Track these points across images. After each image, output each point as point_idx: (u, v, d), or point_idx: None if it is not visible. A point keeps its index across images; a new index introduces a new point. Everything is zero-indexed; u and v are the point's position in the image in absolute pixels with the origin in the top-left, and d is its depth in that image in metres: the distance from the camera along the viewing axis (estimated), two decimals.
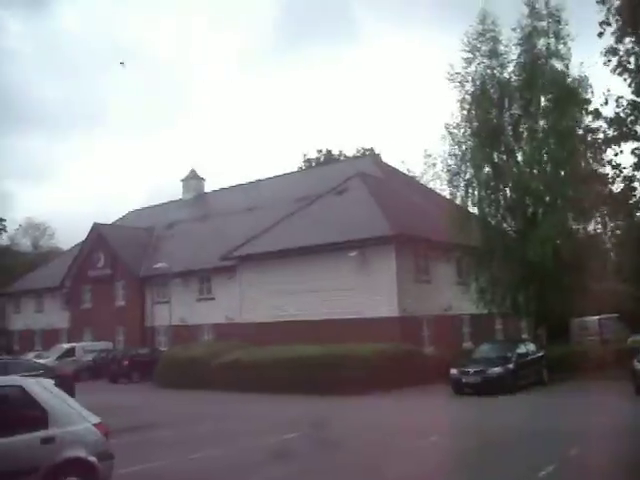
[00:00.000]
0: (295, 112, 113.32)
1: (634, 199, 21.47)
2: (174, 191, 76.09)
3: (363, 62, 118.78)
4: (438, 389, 22.09)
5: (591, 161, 25.90)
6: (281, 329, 29.03)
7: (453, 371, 21.49)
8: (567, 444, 11.71)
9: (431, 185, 31.41)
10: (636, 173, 21.11)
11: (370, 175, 34.00)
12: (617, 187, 21.86)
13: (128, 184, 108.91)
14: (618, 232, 28.15)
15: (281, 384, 23.41)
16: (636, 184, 21.34)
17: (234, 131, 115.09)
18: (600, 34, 22.99)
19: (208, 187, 51.34)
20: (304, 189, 37.55)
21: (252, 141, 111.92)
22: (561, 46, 26.61)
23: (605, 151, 21.35)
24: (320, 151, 56.14)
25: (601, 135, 21.63)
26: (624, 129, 20.83)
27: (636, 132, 20.68)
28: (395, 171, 38.65)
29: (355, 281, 28.27)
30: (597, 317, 35.71)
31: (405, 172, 39.58)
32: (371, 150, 46.58)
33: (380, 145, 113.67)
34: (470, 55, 27.10)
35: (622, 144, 21.12)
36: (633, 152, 20.87)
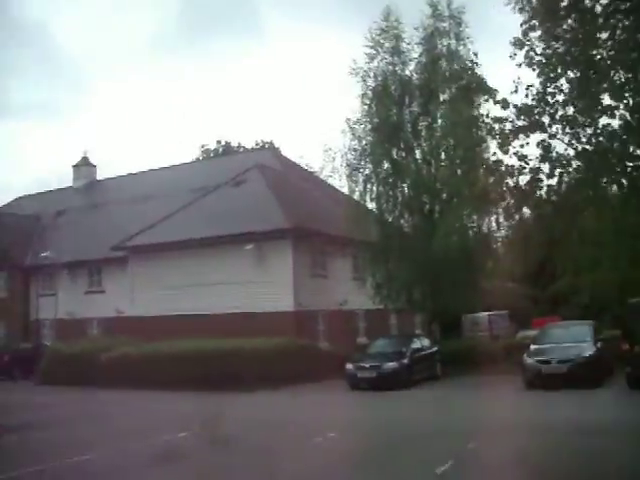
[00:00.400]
0: (195, 103, 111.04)
1: (539, 192, 21.57)
2: (65, 178, 72.68)
3: (266, 56, 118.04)
4: (334, 384, 21.77)
5: (495, 154, 26.26)
6: (175, 324, 27.90)
7: (349, 366, 21.22)
8: (463, 439, 11.51)
9: (330, 181, 31.16)
10: (542, 165, 21.10)
11: (269, 167, 33.40)
12: (524, 179, 21.80)
13: (15, 170, 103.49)
14: (508, 232, 28.58)
15: (172, 380, 22.44)
16: (542, 176, 21.37)
17: (131, 119, 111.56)
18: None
19: (101, 174, 49.37)
20: (201, 180, 36.50)
21: (149, 130, 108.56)
22: (461, 47, 26.98)
23: (510, 143, 21.28)
24: (219, 142, 55.05)
25: (509, 125, 21.49)
26: (532, 119, 20.83)
27: (544, 123, 20.75)
28: (294, 165, 38.21)
29: (252, 275, 27.61)
30: (487, 313, 36.56)
31: (305, 167, 39.07)
32: (271, 143, 45.98)
33: (280, 140, 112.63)
34: (373, 51, 27.08)
35: (530, 135, 21.07)
36: (539, 144, 20.75)
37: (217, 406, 17.52)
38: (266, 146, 49.21)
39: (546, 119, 19.87)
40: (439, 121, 27.09)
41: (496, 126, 21.86)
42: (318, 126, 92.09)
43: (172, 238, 29.45)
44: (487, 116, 24.41)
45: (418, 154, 26.98)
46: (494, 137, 22.79)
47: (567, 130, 20.33)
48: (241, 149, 51.51)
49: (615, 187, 20.94)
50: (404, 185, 26.71)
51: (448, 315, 30.84)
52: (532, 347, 19.28)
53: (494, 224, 26.34)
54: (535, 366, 18.26)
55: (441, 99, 27.17)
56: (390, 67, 27.06)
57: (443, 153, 26.71)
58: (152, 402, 20.25)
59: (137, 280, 31.02)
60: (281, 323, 26.15)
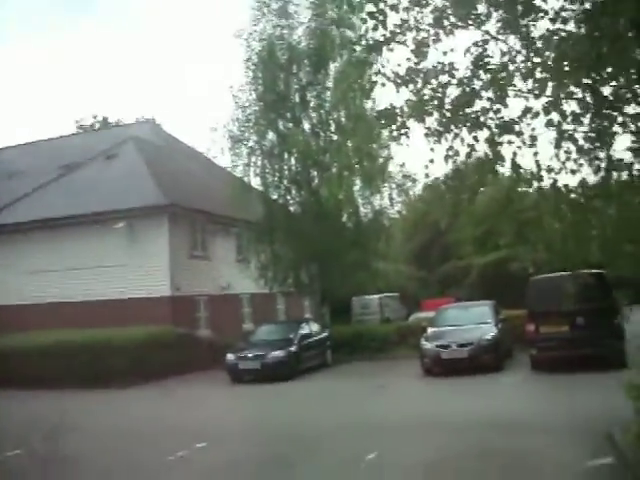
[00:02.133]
0: (69, 77, 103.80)
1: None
2: None
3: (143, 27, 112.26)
4: (215, 377, 19.26)
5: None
6: (39, 313, 24.42)
7: (229, 356, 18.72)
8: (360, 442, 9.35)
9: (217, 161, 28.43)
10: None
11: (146, 141, 30.19)
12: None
13: None
14: (401, 209, 26.76)
15: (30, 377, 19.26)
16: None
17: None
18: None
19: None
20: (73, 155, 32.52)
21: (17, 104, 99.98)
22: (353, 16, 24.79)
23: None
24: (95, 117, 50.94)
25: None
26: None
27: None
28: (176, 141, 35.05)
29: (124, 257, 24.50)
30: (378, 296, 34.95)
31: (188, 145, 35.96)
32: (152, 120, 42.45)
33: (165, 118, 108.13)
34: (258, 13, 24.48)
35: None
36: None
37: (74, 408, 14.74)
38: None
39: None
40: (328, 92, 24.91)
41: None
42: (204, 101, 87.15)
43: (32, 217, 25.83)
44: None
45: (306, 125, 24.71)
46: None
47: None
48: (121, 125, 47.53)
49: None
50: (291, 158, 24.39)
51: (338, 298, 28.97)
52: (429, 330, 17.47)
53: (387, 200, 24.33)
54: (434, 351, 16.46)
55: (331, 67, 25.02)
56: (277, 30, 24.57)
57: (333, 124, 24.59)
58: None
59: None
60: (157, 310, 23.32)
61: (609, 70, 6.77)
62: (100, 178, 26.88)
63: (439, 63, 7.20)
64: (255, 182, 24.85)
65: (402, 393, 14.41)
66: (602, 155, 7.32)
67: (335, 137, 24.53)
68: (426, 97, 7.18)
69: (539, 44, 6.94)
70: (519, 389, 14.17)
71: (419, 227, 52.77)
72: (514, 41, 7.14)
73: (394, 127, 7.35)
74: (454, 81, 7.24)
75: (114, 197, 25.11)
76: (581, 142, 7.14)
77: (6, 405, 16.74)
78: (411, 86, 7.25)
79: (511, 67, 7.16)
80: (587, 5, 6.88)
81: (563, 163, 7.35)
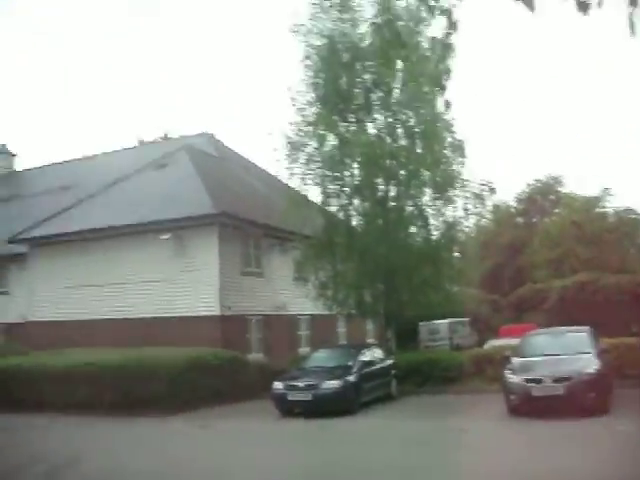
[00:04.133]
0: (131, 92, 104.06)
1: None
2: None
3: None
4: (262, 408, 16.49)
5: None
6: (75, 330, 22.47)
7: (277, 385, 15.89)
8: None
9: (274, 172, 25.97)
10: None
11: (199, 150, 28.01)
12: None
13: None
14: (477, 220, 23.41)
15: (61, 401, 17.08)
16: None
17: (56, 106, 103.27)
18: None
19: (21, 165, 43.39)
20: (126, 168, 30.79)
21: (78, 119, 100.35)
22: (423, 7, 22.01)
23: None
24: (157, 134, 49.71)
25: None
26: None
27: None
28: (232, 152, 32.84)
29: (170, 271, 22.26)
30: (448, 320, 31.71)
31: (245, 156, 33.71)
32: (210, 134, 40.40)
33: (224, 131, 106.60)
34: (318, 7, 21.99)
35: None
36: None
37: (84, 439, 12.42)
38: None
39: None
40: (395, 92, 22.16)
41: None
42: (262, 106, 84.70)
43: (72, 228, 23.88)
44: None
45: (371, 129, 21.98)
46: None
47: None
48: None
49: None
50: (353, 164, 21.65)
51: (404, 322, 25.91)
52: (515, 361, 14.25)
53: (461, 211, 21.23)
54: (522, 386, 13.25)
55: (398, 67, 22.28)
56: (339, 26, 22.03)
57: (401, 127, 21.81)
58: (15, 433, 14.73)
59: (38, 278, 25.28)
60: (204, 330, 20.98)
61: None
62: (149, 188, 24.83)
63: None
64: (314, 192, 22.24)
65: (490, 442, 11.23)
66: None
67: (403, 142, 21.76)
68: None
69: None
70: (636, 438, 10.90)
71: (490, 248, 49.34)
72: None
73: None
74: None
75: (162, 207, 22.97)
76: None
77: (25, 432, 14.53)
78: None
79: None
80: None
81: None
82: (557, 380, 12.94)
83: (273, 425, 14.86)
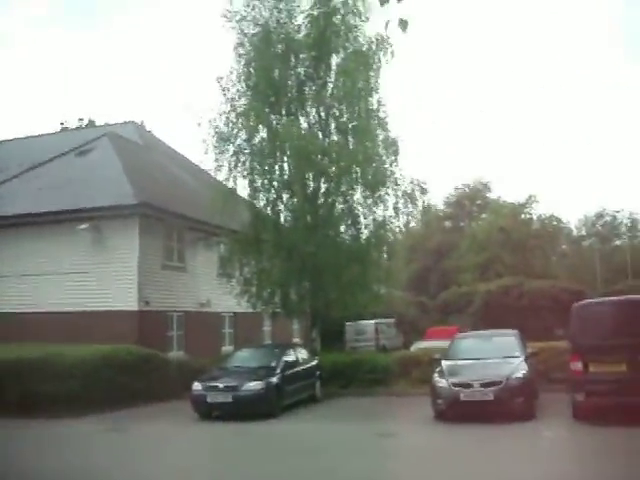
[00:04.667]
0: (55, 79, 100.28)
1: None
2: None
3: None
4: (181, 409, 15.52)
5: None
6: None
7: (196, 386, 14.93)
8: None
9: (203, 166, 24.83)
10: None
11: (123, 138, 26.64)
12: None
13: None
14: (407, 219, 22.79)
15: None
16: None
17: None
18: None
19: None
20: (44, 153, 29.08)
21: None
22: (360, 2, 21.52)
23: None
24: (81, 120, 47.53)
25: None
26: None
27: None
28: (159, 142, 31.52)
29: (86, 263, 20.97)
30: (374, 321, 31.32)
31: (173, 147, 32.39)
32: (137, 122, 38.88)
33: (152, 122, 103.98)
34: None
35: None
36: None
37: None
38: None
39: None
40: (329, 86, 21.53)
41: None
42: (193, 101, 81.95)
43: None
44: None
45: (303, 122, 21.24)
46: None
47: None
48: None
49: None
50: (284, 159, 20.86)
51: (330, 322, 25.32)
52: (444, 364, 13.79)
53: (391, 210, 20.69)
54: (450, 391, 12.79)
55: (334, 63, 21.67)
56: (274, 14, 21.22)
57: (333, 123, 21.20)
58: None
59: None
60: (121, 326, 19.84)
61: None
62: (67, 175, 23.38)
63: None
64: (242, 185, 21.33)
65: (415, 448, 10.67)
66: None
67: (335, 137, 21.14)
68: None
69: None
70: (569, 447, 10.57)
71: (418, 251, 49.51)
72: None
73: None
74: None
75: (80, 195, 21.61)
76: None
77: None
78: None
79: None
80: None
81: None
82: (486, 385, 12.53)
83: (187, 429, 13.86)
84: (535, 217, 50.44)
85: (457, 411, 12.72)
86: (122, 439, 12.63)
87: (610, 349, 11.73)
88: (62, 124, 46.75)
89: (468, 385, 12.63)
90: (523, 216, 50.09)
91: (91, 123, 44.91)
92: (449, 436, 11.50)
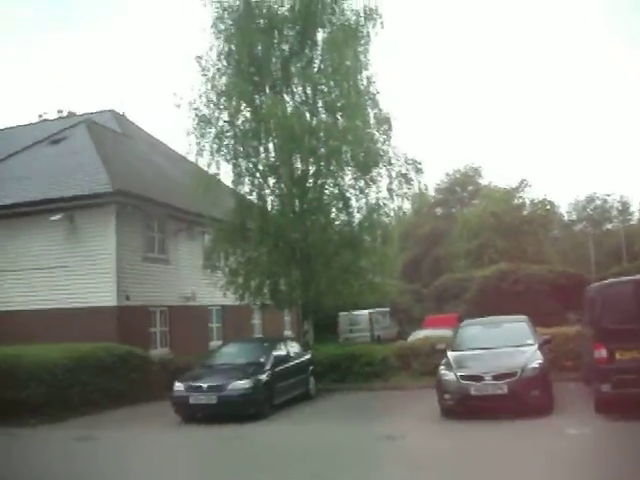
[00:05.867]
0: (33, 72, 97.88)
1: None
2: None
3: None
4: (162, 412, 14.02)
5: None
6: None
7: (178, 386, 13.43)
8: None
9: (184, 153, 23.24)
10: None
11: (100, 125, 24.98)
12: None
13: None
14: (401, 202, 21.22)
15: None
16: None
17: None
18: None
19: None
20: (23, 143, 27.41)
21: None
22: None
23: None
24: (60, 111, 45.67)
25: None
26: None
27: None
28: (139, 130, 29.82)
29: (61, 257, 19.39)
30: (368, 311, 29.87)
31: (153, 135, 30.70)
32: (117, 113, 37.06)
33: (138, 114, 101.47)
34: None
35: None
36: None
37: None
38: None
39: None
40: (316, 62, 20.04)
41: None
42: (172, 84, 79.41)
43: None
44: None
45: (289, 101, 19.71)
46: None
47: None
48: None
49: None
50: (269, 140, 19.36)
51: (322, 313, 23.88)
52: (451, 355, 12.36)
53: (385, 192, 19.21)
54: (458, 385, 11.37)
55: (320, 37, 20.19)
56: None
57: (321, 102, 19.69)
58: None
59: None
60: (100, 323, 18.26)
61: None
62: (40, 164, 21.74)
63: None
64: (225, 169, 19.79)
65: (426, 454, 9.15)
66: None
67: (323, 116, 19.65)
68: None
69: None
70: (599, 447, 9.15)
71: (409, 239, 48.12)
72: None
73: None
74: None
75: (53, 185, 20.03)
76: None
77: None
78: None
79: None
80: None
81: None
82: (498, 377, 11.13)
83: (166, 435, 12.33)
84: (527, 202, 49.17)
85: (467, 407, 11.33)
86: (89, 448, 11.10)
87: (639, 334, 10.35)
88: (40, 116, 44.86)
89: (479, 378, 11.23)
90: (515, 201, 48.80)
91: (71, 115, 43.09)
92: (462, 438, 10.04)
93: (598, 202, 68.12)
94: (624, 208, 67.43)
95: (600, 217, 67.79)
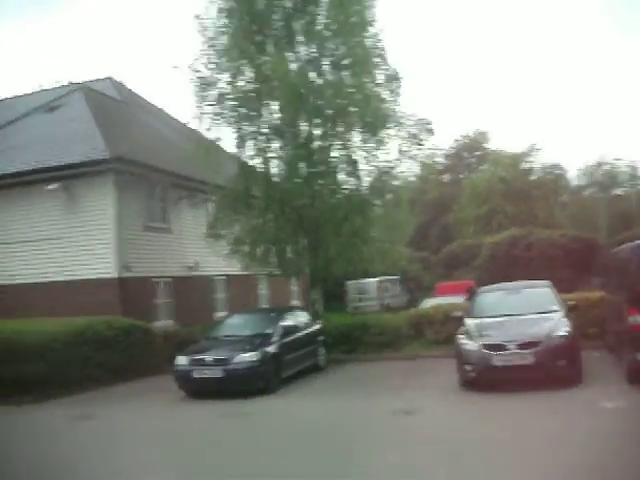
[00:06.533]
0: (35, 39, 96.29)
1: None
2: None
3: None
4: (164, 387, 13.31)
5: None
6: None
7: (180, 360, 12.66)
8: None
9: (185, 121, 22.25)
10: None
11: (98, 92, 23.96)
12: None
13: None
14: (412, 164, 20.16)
15: None
16: None
17: None
18: None
19: None
20: (20, 111, 26.43)
21: None
22: None
23: None
24: (59, 82, 44.54)
25: None
26: None
27: None
28: (138, 97, 28.74)
29: (59, 228, 18.56)
30: (377, 279, 29.01)
31: (152, 102, 29.64)
32: (116, 80, 36.01)
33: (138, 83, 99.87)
34: None
35: None
36: None
37: None
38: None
39: None
40: (321, 20, 18.89)
41: None
42: (171, 49, 77.81)
43: None
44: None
45: (293, 60, 18.62)
46: None
47: None
48: None
49: None
50: (272, 102, 18.31)
51: (331, 281, 23.05)
52: (469, 322, 11.51)
53: (395, 154, 18.21)
54: (480, 354, 10.53)
55: None
56: None
57: (326, 60, 18.60)
58: None
59: None
60: (100, 296, 17.54)
61: None
62: (35, 133, 20.81)
63: None
64: (227, 134, 18.86)
65: (448, 431, 8.30)
66: None
67: (329, 76, 18.58)
68: None
69: None
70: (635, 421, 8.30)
71: (417, 205, 47.07)
72: None
73: None
74: None
75: (49, 153, 19.11)
76: None
77: None
78: None
79: None
80: None
81: None
82: (523, 346, 10.26)
83: (168, 411, 11.51)
84: (538, 166, 47.95)
85: (489, 378, 10.49)
86: (86, 427, 10.33)
87: None
88: (41, 86, 43.80)
89: (502, 347, 10.37)
90: (524, 166, 47.59)
91: (70, 84, 41.98)
92: (487, 412, 9.19)
93: (607, 167, 66.66)
94: (633, 172, 65.98)
95: (609, 182, 66.40)
